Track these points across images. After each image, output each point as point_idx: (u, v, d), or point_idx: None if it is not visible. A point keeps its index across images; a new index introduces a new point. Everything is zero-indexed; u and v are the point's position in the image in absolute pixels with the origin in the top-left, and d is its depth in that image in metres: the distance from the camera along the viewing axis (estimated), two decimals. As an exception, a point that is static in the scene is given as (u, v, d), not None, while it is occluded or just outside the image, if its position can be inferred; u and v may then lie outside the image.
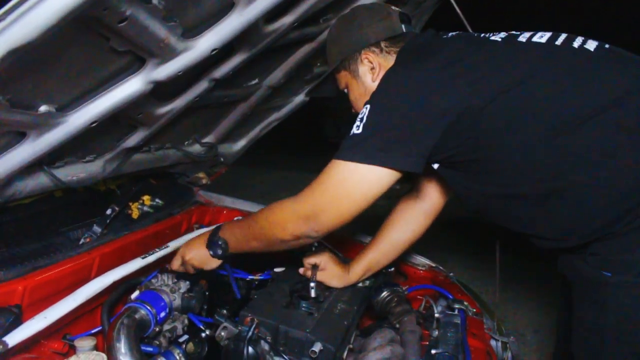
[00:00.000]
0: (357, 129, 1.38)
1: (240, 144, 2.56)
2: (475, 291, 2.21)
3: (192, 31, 1.30)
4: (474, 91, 1.32)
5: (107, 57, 1.23)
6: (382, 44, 1.59)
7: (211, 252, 1.71)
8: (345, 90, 1.70)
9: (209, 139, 2.25)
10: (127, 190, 2.10)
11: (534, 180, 1.37)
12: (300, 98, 2.49)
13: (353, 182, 1.39)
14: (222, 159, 2.49)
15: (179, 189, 2.47)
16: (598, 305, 1.39)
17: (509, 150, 1.35)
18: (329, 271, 1.82)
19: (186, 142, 2.16)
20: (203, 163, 2.42)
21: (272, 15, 1.48)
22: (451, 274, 2.22)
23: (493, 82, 1.33)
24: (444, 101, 1.32)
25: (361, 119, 1.37)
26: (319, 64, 2.26)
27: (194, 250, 1.75)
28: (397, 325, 1.73)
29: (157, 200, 2.16)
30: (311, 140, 9.69)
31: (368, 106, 1.38)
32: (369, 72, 1.60)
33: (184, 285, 1.75)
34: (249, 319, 1.54)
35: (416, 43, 1.53)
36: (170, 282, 1.74)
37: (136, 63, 1.32)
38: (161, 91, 1.47)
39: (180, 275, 1.79)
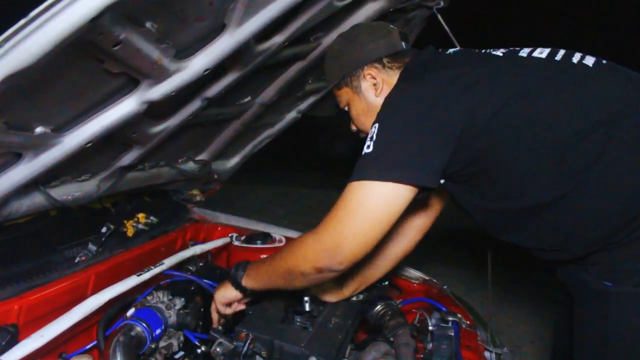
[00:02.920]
0: (367, 148, 1.36)
1: (234, 160, 2.59)
2: (469, 303, 2.23)
3: (185, 52, 1.34)
4: (478, 105, 1.34)
5: (101, 79, 1.26)
6: (385, 60, 1.60)
7: (232, 283, 1.69)
8: (346, 108, 1.70)
9: (202, 156, 2.28)
10: (121, 208, 2.11)
11: (536, 192, 1.39)
12: (292, 115, 2.53)
13: (371, 202, 1.35)
14: (216, 176, 2.51)
15: (174, 206, 2.48)
16: (600, 315, 1.41)
17: (512, 163, 1.38)
18: (322, 286, 1.82)
19: (180, 160, 2.18)
20: (197, 180, 2.44)
21: (262, 35, 1.51)
22: (445, 287, 2.23)
23: (497, 96, 1.35)
24: (451, 115, 1.34)
25: (371, 138, 1.36)
26: (310, 81, 2.29)
27: (220, 288, 1.75)
28: (392, 339, 1.73)
29: (151, 217, 2.17)
30: (305, 155, 9.72)
31: (377, 124, 1.38)
32: (372, 88, 1.61)
33: (179, 302, 1.76)
34: (244, 334, 1.55)
35: (420, 60, 1.56)
36: (165, 299, 1.75)
37: (130, 84, 1.34)
38: (155, 111, 1.49)
39: (175, 292, 1.80)
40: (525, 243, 1.54)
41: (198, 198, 2.60)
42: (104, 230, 1.89)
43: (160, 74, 1.31)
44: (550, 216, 1.41)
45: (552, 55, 1.44)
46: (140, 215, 2.14)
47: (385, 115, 1.40)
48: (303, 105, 2.50)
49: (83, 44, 1.03)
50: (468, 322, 1.95)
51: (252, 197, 7.33)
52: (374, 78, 1.60)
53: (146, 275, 1.77)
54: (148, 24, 1.13)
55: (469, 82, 1.37)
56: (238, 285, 1.67)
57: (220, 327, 1.74)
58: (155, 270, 1.82)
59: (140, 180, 1.96)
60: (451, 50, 1.59)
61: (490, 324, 2.05)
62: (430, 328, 1.82)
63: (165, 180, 2.14)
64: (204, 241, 2.42)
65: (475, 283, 4.19)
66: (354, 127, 1.72)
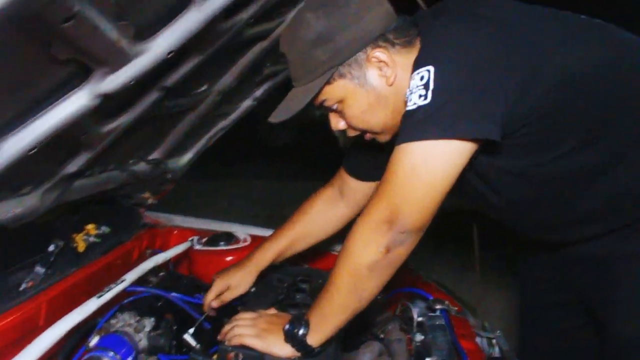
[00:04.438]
0: (422, 98, 1.11)
1: (187, 157, 2.35)
2: (449, 287, 2.13)
3: (145, 32, 1.11)
4: (550, 58, 1.19)
5: (46, 69, 1.02)
6: (390, 36, 1.27)
7: (297, 348, 1.33)
8: (335, 106, 1.37)
9: (155, 155, 2.04)
10: (68, 220, 1.86)
11: (611, 137, 1.28)
12: (248, 103, 2.33)
13: (431, 165, 1.14)
14: (169, 175, 2.28)
15: (124, 212, 2.24)
16: None
17: (583, 117, 1.25)
18: (233, 287, 1.72)
19: (131, 161, 1.94)
20: (150, 181, 2.21)
21: (227, 10, 1.30)
22: (421, 272, 2.13)
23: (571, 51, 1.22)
24: (518, 62, 1.15)
25: (425, 85, 1.11)
26: (268, 64, 2.10)
27: (273, 348, 1.35)
28: (382, 336, 1.64)
29: (103, 228, 1.93)
30: (245, 145, 9.45)
31: (431, 68, 1.12)
32: (380, 74, 1.30)
33: (148, 323, 1.56)
34: (232, 354, 1.36)
35: (457, 4, 1.31)
36: (132, 321, 1.54)
37: (80, 74, 1.10)
38: (107, 106, 1.26)
39: (142, 312, 1.59)
40: (559, 216, 1.44)
41: (150, 201, 2.36)
42: (51, 248, 1.64)
43: (117, 60, 1.08)
44: (611, 173, 1.31)
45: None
46: (90, 227, 1.89)
47: (441, 56, 1.15)
48: (259, 92, 2.31)
49: (26, 17, 0.80)
50: (456, 309, 1.85)
51: (193, 194, 7.02)
52: (382, 62, 1.28)
53: (108, 296, 1.55)
54: (106, -6, 0.90)
55: (532, 31, 1.20)
56: (307, 351, 1.33)
57: (198, 346, 1.55)
58: (118, 289, 1.60)
59: (88, 188, 1.70)
60: None
61: (478, 308, 1.97)
62: (420, 319, 1.70)
63: (115, 185, 1.89)
64: (161, 248, 2.21)
65: (462, 267, 4.10)
66: (341, 126, 1.41)
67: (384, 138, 1.41)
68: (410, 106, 1.15)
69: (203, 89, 1.82)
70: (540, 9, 1.30)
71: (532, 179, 1.35)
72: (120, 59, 1.09)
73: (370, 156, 1.63)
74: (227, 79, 1.86)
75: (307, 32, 1.26)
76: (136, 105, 1.41)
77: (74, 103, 1.12)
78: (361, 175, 1.72)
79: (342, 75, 1.29)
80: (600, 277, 1.48)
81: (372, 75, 1.29)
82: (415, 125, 1.14)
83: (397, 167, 1.17)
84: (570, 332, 1.75)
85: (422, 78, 1.13)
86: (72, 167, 1.49)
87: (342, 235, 2.00)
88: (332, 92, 1.33)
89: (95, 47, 0.99)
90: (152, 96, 1.42)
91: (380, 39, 1.27)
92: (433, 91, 1.11)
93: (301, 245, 1.82)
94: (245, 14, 1.41)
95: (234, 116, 2.34)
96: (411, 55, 1.26)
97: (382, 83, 1.30)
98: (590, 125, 1.25)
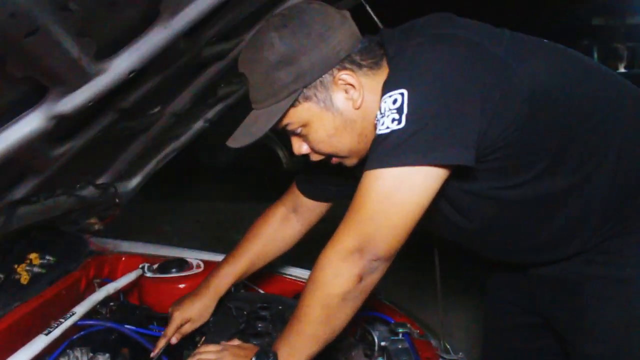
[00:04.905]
0: (396, 123, 1.08)
1: (136, 180, 2.28)
2: (408, 309, 2.11)
3: (106, 50, 1.05)
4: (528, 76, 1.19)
5: (-2, 88, 0.94)
6: (357, 58, 1.23)
7: None
8: (299, 130, 1.30)
9: (104, 179, 1.95)
10: (8, 250, 1.72)
11: (576, 159, 1.28)
12: (199, 124, 2.27)
13: (404, 192, 1.11)
14: (117, 200, 2.18)
15: (69, 239, 2.11)
16: (620, 302, 1.37)
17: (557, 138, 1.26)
18: (194, 320, 1.63)
19: (78, 186, 1.83)
20: (97, 207, 2.10)
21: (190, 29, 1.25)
22: (380, 295, 2.11)
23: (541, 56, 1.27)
24: (494, 82, 1.14)
25: (398, 109, 1.08)
26: (222, 86, 2.05)
27: None
28: None
29: (47, 257, 1.78)
30: (187, 167, 9.24)
31: (404, 92, 1.08)
32: (346, 97, 1.25)
33: (102, 359, 1.45)
34: None
35: (430, 23, 1.27)
36: (85, 358, 1.44)
37: (35, 94, 1.03)
38: (60, 128, 1.18)
39: (95, 347, 1.49)
40: (528, 241, 1.44)
41: (97, 227, 2.25)
42: (-9, 282, 1.52)
43: (76, 78, 1.01)
44: (575, 194, 1.32)
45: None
46: (33, 256, 1.75)
47: (415, 79, 1.11)
48: (211, 113, 2.26)
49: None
50: (418, 332, 1.84)
51: (134, 217, 6.79)
52: (349, 84, 1.23)
53: (57, 332, 1.43)
54: (72, 5, 0.82)
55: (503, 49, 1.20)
56: None
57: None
58: (67, 323, 1.48)
59: (33, 215, 1.60)
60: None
61: (441, 331, 1.95)
62: (383, 344, 1.68)
63: (62, 211, 1.78)
64: (110, 276, 2.08)
65: (423, 289, 4.05)
66: (304, 150, 1.35)
67: (350, 162, 1.36)
68: (383, 130, 1.11)
69: (156, 110, 1.75)
70: (505, 30, 1.31)
71: (504, 202, 1.34)
72: (80, 78, 1.02)
73: (324, 177, 1.60)
74: (181, 100, 1.80)
75: (270, 53, 1.19)
76: (90, 127, 1.34)
77: (28, 125, 1.04)
78: (316, 196, 1.68)
79: (307, 98, 1.24)
80: (568, 299, 1.48)
81: (339, 98, 1.24)
82: (389, 150, 1.10)
83: (369, 193, 1.13)
84: (534, 354, 1.76)
85: (394, 101, 1.10)
86: (18, 193, 1.39)
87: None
88: (297, 116, 1.26)
89: (55, 64, 0.92)
90: (108, 118, 1.35)
91: (347, 60, 1.23)
92: (407, 115, 1.07)
93: (257, 267, 1.75)
94: (208, 33, 1.36)
95: (184, 138, 2.28)
96: (378, 77, 1.24)
97: (348, 106, 1.25)
98: (559, 143, 1.26)
